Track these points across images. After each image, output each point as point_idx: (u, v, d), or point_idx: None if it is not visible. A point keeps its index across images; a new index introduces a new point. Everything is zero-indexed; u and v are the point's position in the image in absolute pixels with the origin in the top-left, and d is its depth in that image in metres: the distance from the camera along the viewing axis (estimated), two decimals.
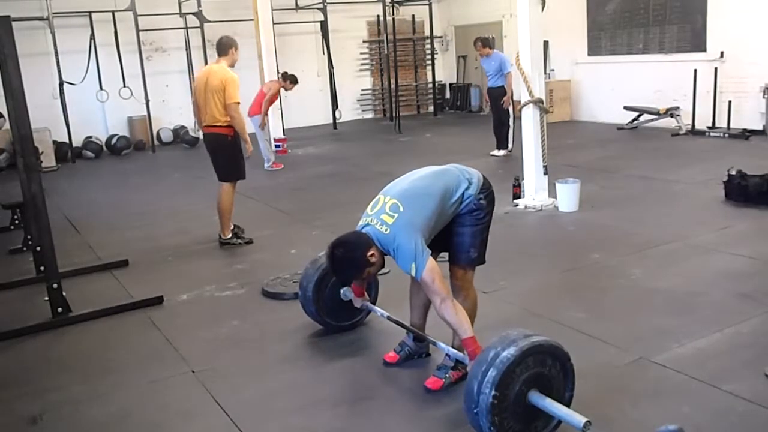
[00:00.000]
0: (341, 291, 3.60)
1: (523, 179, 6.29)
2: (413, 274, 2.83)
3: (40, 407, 3.16)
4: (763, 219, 5.40)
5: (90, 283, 4.86)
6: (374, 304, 3.67)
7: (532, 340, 2.54)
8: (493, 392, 2.42)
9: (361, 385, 3.26)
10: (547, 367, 2.57)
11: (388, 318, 3.41)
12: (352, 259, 2.89)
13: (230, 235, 5.70)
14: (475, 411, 2.46)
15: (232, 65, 5.54)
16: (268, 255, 5.35)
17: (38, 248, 4.41)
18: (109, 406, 3.16)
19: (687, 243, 4.93)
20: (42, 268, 4.60)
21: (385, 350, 3.44)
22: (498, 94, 8.80)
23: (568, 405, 2.60)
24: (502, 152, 8.83)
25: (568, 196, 5.97)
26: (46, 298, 4.10)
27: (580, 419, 2.42)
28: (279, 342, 3.72)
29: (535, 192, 6.17)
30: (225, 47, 5.54)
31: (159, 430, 3.00)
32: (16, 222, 6.23)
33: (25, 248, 5.60)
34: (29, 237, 5.30)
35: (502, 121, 8.90)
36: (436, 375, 3.08)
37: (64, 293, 4.12)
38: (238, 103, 5.47)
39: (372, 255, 2.88)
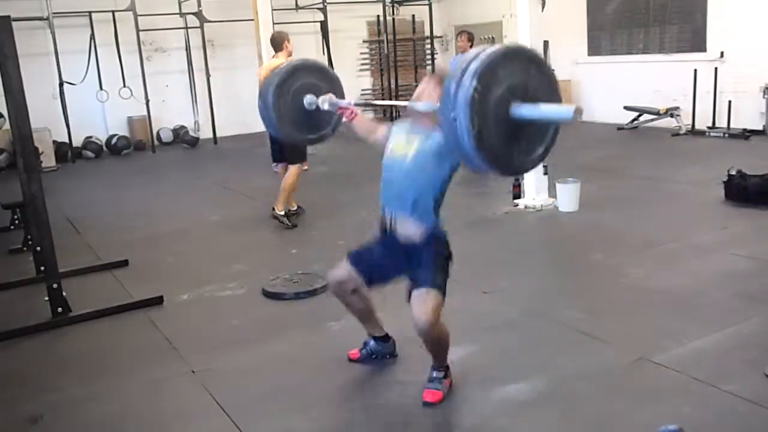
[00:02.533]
0: (305, 98, 3.41)
1: (523, 179, 6.28)
2: None
3: (40, 407, 3.15)
4: (763, 219, 5.40)
5: (90, 283, 4.86)
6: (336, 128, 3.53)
7: (512, 45, 2.37)
8: (474, 84, 2.16)
9: (362, 385, 3.26)
10: (531, 79, 2.30)
11: (356, 104, 3.29)
12: None
13: (283, 212, 6.03)
14: (452, 115, 2.22)
15: (289, 56, 5.99)
16: (268, 255, 5.35)
17: (38, 248, 4.41)
18: (109, 406, 3.16)
19: (687, 243, 4.93)
20: (42, 268, 4.60)
21: None
22: None
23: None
24: None
25: (568, 196, 5.97)
26: (46, 298, 4.09)
27: (568, 108, 2.21)
28: (279, 342, 3.72)
29: (535, 192, 6.17)
30: (279, 43, 6.17)
31: (159, 430, 3.00)
32: (16, 222, 6.23)
33: (25, 248, 5.59)
34: (29, 237, 5.30)
35: None
36: (431, 388, 3.00)
37: (64, 293, 4.12)
38: None
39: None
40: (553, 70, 2.48)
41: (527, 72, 2.33)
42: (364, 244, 3.18)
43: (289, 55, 6.11)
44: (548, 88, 2.39)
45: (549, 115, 2.32)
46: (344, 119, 3.37)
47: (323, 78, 3.56)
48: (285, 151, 6.14)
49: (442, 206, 2.97)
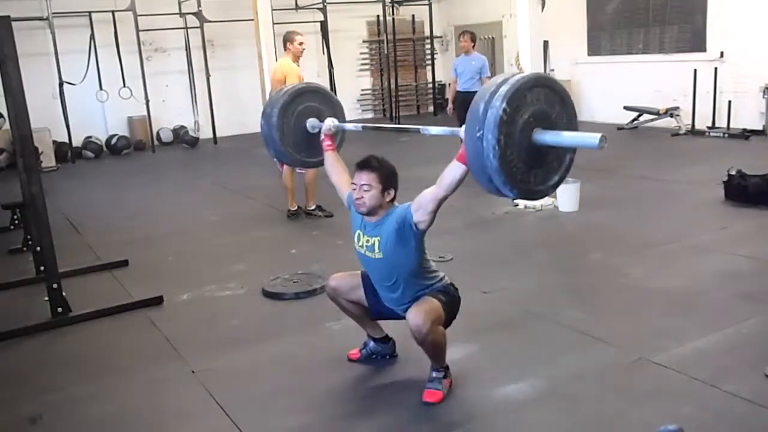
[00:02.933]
0: (308, 122, 3.52)
1: None
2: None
3: (40, 407, 3.15)
4: (763, 219, 5.40)
5: (90, 283, 4.86)
6: (338, 149, 3.61)
7: (539, 73, 2.49)
8: (503, 106, 2.28)
9: (362, 385, 3.25)
10: (554, 111, 2.43)
11: (363, 127, 3.42)
12: (392, 170, 2.99)
13: (314, 207, 6.26)
14: (478, 134, 2.34)
15: (295, 56, 6.29)
16: (268, 255, 5.35)
17: (38, 248, 4.41)
18: (109, 406, 3.16)
19: (687, 243, 4.93)
20: (42, 268, 4.60)
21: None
22: (470, 99, 7.96)
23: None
24: None
25: (568, 196, 5.97)
26: (46, 298, 4.09)
27: (594, 136, 2.27)
28: (279, 342, 3.72)
29: None
30: (284, 43, 6.37)
31: (159, 430, 3.00)
32: (16, 222, 6.23)
33: (25, 248, 5.60)
34: (29, 237, 5.30)
35: None
36: (431, 388, 3.00)
37: (64, 293, 4.12)
38: None
39: (389, 194, 2.96)
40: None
41: (552, 103, 2.45)
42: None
43: (295, 56, 6.28)
44: (568, 121, 2.50)
45: (574, 141, 2.41)
46: (323, 145, 3.45)
47: (327, 102, 3.66)
48: None
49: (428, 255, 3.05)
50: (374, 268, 3.07)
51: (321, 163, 3.59)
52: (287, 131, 3.55)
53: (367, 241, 3.02)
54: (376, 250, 2.98)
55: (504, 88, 2.35)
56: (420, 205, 2.86)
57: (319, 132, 3.49)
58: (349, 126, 3.50)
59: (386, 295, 3.09)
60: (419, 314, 2.83)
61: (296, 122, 3.55)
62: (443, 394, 2.97)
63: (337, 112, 3.63)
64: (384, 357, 3.37)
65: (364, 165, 2.98)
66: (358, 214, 3.03)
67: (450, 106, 8.44)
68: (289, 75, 6.08)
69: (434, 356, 2.98)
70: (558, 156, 2.53)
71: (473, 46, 8.10)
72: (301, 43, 6.29)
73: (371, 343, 3.38)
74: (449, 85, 9.30)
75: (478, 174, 2.46)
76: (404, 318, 2.95)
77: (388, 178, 2.97)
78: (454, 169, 2.73)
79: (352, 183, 3.00)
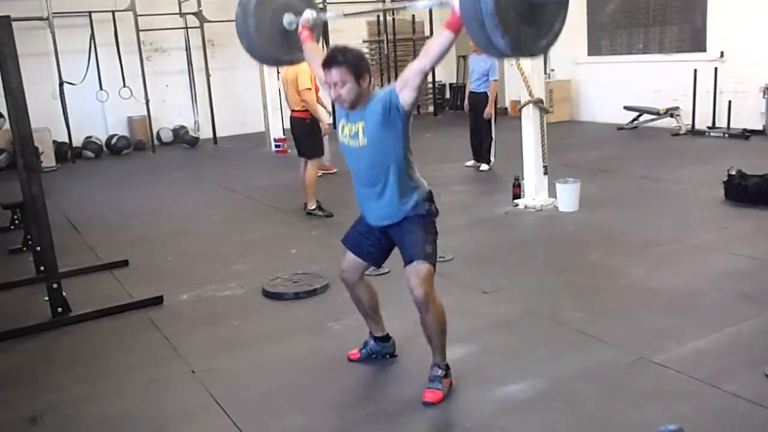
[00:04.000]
0: (285, 17, 3.40)
1: (523, 179, 6.29)
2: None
3: (40, 407, 3.16)
4: (763, 219, 5.40)
5: (90, 283, 4.86)
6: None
7: None
8: None
9: (362, 385, 3.26)
10: None
11: (345, 15, 3.32)
12: (360, 56, 2.89)
13: (314, 206, 6.34)
14: (482, 18, 2.37)
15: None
16: (268, 255, 5.35)
17: (38, 248, 4.41)
18: (109, 406, 3.16)
19: (687, 243, 4.93)
20: (42, 268, 4.60)
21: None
22: (481, 100, 7.82)
23: None
24: (485, 167, 8.03)
25: (568, 196, 5.97)
26: (46, 298, 4.10)
27: None
28: (279, 342, 3.72)
29: (535, 192, 6.17)
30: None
31: (159, 430, 2.99)
32: (16, 222, 6.23)
33: (25, 248, 5.60)
34: (29, 237, 5.30)
35: (479, 131, 7.98)
36: (432, 387, 2.99)
37: (64, 293, 4.12)
38: (309, 89, 6.22)
39: (365, 80, 2.86)
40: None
41: None
42: (353, 227, 3.19)
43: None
44: None
45: None
46: (300, 36, 3.37)
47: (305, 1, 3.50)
48: (301, 146, 6.44)
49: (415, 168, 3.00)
50: (358, 160, 2.95)
51: (292, 62, 3.54)
52: (262, 23, 3.37)
53: (350, 129, 2.92)
54: (361, 136, 2.88)
55: None
56: (405, 82, 2.78)
57: (296, 29, 3.38)
58: (329, 15, 3.38)
59: (373, 207, 2.99)
60: (417, 285, 2.83)
61: (273, 16, 3.38)
62: (443, 394, 2.97)
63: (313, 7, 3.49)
64: (384, 356, 3.37)
65: (330, 62, 2.84)
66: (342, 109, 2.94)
67: (466, 102, 8.33)
68: (301, 74, 6.09)
69: (436, 340, 2.96)
70: (549, 20, 2.57)
71: None
72: None
73: (371, 343, 3.38)
74: (449, 85, 9.28)
75: (470, 21, 2.45)
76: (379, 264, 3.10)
77: (359, 66, 2.84)
78: (442, 37, 2.68)
79: (325, 83, 2.89)
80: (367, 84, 2.88)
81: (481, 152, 8.08)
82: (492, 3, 2.35)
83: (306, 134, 6.38)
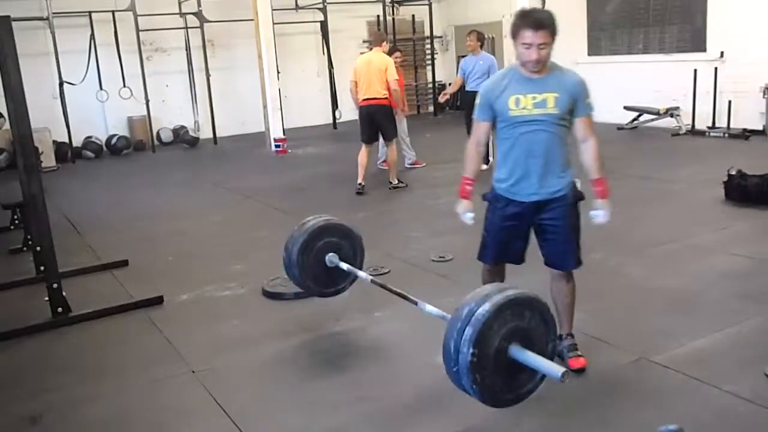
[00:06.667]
0: (327, 257, 3.66)
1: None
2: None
3: (40, 407, 3.16)
4: (763, 219, 5.40)
5: (90, 283, 4.86)
6: (360, 269, 3.72)
7: (507, 294, 2.47)
8: (471, 350, 2.36)
9: (361, 384, 3.25)
10: (526, 320, 2.48)
11: (372, 281, 3.48)
12: (555, 18, 3.06)
13: (396, 181, 7.25)
14: (455, 369, 2.43)
15: (386, 52, 7.40)
16: (268, 255, 5.33)
17: (38, 248, 4.41)
18: (109, 406, 3.16)
19: (687, 243, 4.93)
20: (42, 268, 4.60)
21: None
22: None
23: (551, 357, 2.54)
24: (484, 166, 8.06)
25: None
26: (46, 298, 4.09)
27: (557, 370, 2.36)
28: (279, 342, 3.72)
29: None
30: (380, 39, 7.65)
31: (159, 430, 2.99)
32: (16, 222, 6.23)
33: (25, 248, 5.60)
34: (29, 237, 5.30)
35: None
36: (573, 356, 3.15)
37: (64, 293, 4.12)
38: (397, 79, 7.20)
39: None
40: (553, 317, 2.61)
41: (522, 316, 2.48)
42: (488, 237, 3.43)
43: (386, 51, 7.42)
44: (544, 331, 2.54)
45: (539, 367, 2.45)
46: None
47: (346, 238, 3.78)
48: (383, 130, 7.23)
49: None
50: (534, 130, 3.07)
51: (337, 293, 3.78)
52: (306, 267, 3.69)
53: (534, 98, 3.03)
54: (550, 105, 3.04)
55: (468, 332, 2.38)
56: (574, 122, 3.24)
57: (337, 266, 3.64)
58: (361, 274, 3.66)
59: (530, 177, 3.12)
60: (568, 295, 3.19)
61: (316, 257, 3.70)
62: (585, 360, 3.14)
63: (356, 245, 3.79)
64: None
65: (539, 24, 2.96)
66: (529, 72, 3.06)
67: (445, 97, 8.84)
68: (390, 66, 7.04)
69: (570, 314, 3.21)
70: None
71: (481, 46, 8.06)
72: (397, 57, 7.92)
73: None
74: (449, 84, 9.26)
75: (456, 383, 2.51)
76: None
77: (556, 29, 3.02)
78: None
79: (523, 44, 2.98)
80: None
81: None
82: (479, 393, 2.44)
83: (389, 119, 7.20)
